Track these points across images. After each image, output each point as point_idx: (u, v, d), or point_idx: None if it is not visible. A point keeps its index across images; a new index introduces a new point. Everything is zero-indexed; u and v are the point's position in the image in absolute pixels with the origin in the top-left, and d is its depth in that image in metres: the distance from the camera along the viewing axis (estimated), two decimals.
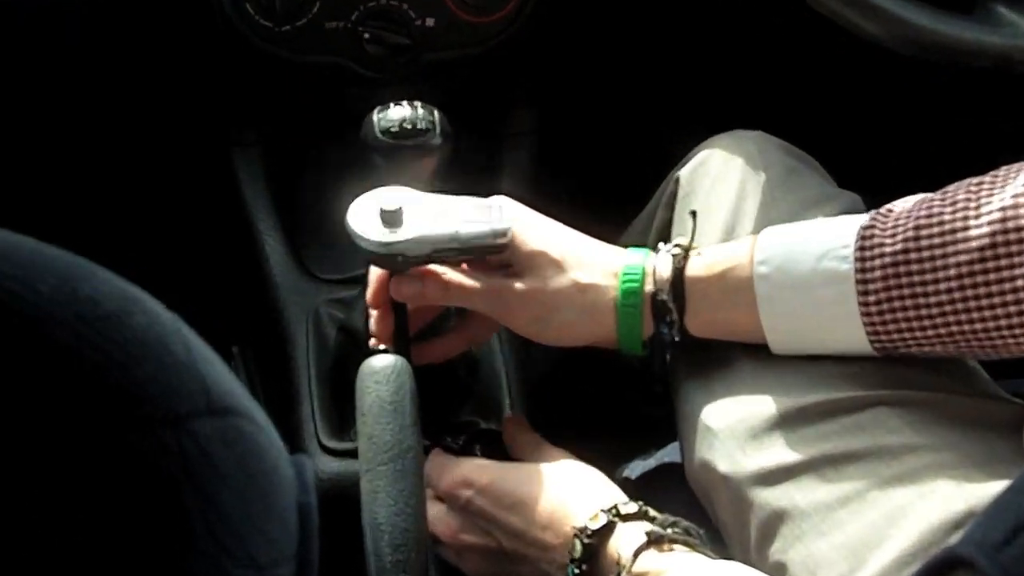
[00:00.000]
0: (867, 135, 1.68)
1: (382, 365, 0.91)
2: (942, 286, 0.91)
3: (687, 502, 1.06)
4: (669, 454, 1.15)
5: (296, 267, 1.38)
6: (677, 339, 1.00)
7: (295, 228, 1.43)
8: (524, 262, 1.01)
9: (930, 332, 0.93)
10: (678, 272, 0.99)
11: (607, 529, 0.90)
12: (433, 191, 1.03)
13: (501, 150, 1.49)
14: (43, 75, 1.49)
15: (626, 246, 1.04)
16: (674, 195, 1.14)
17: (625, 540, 0.89)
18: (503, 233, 0.99)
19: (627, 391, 1.44)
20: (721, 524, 1.00)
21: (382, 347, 0.94)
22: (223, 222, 1.47)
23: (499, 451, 1.04)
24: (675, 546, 0.89)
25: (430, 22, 1.36)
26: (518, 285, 1.00)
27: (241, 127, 1.48)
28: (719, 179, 1.10)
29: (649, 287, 1.00)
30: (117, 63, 1.50)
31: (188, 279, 1.39)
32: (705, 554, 0.89)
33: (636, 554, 0.88)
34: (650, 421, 1.33)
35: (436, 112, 1.07)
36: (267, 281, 1.37)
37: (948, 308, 0.91)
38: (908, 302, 0.92)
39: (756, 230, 1.02)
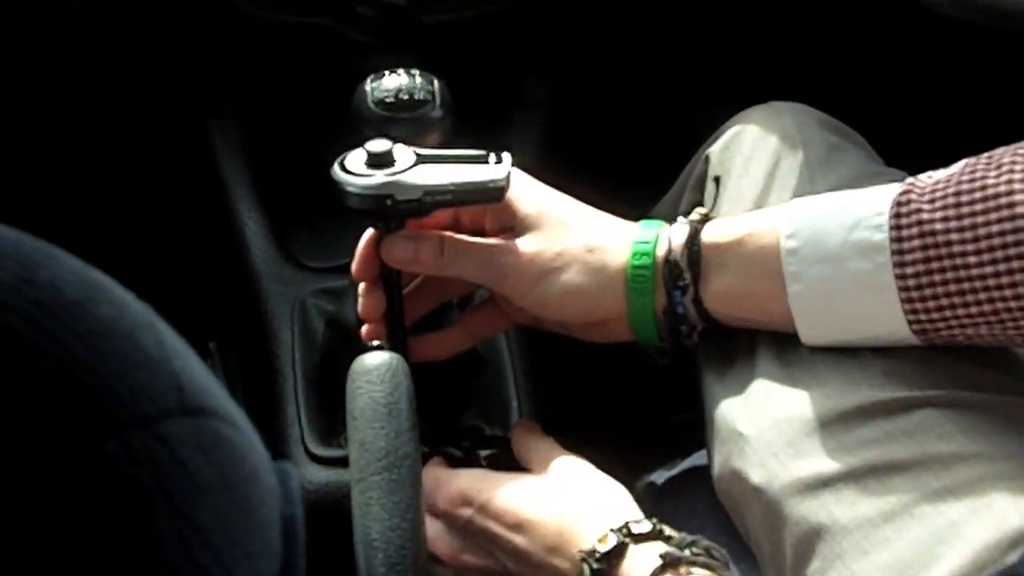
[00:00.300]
0: (918, 109, 1.68)
1: (376, 363, 0.91)
2: (985, 256, 0.90)
3: (716, 513, 1.06)
4: (695, 462, 1.15)
5: (280, 253, 1.38)
6: (693, 312, 1.00)
7: (278, 210, 1.42)
8: (525, 220, 1.01)
9: (973, 309, 0.92)
10: (694, 235, 0.99)
11: (618, 551, 0.90)
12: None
13: (508, 123, 1.49)
14: (9, 39, 1.49)
15: None
16: (703, 175, 1.14)
17: (638, 563, 0.89)
18: (502, 180, 0.98)
19: (649, 395, 1.44)
20: (752, 540, 1.00)
21: (375, 343, 0.94)
22: (199, 203, 1.47)
23: (506, 460, 1.04)
24: (694, 569, 0.88)
25: None
26: (519, 244, 1.00)
27: (219, 98, 1.48)
28: (752, 157, 1.10)
29: (662, 251, 1.00)
30: (81, 22, 1.50)
31: (160, 266, 1.39)
32: (724, 574, 0.89)
33: None
34: (675, 428, 1.33)
35: (436, 81, 1.07)
36: (248, 269, 1.37)
37: (992, 282, 0.90)
38: (949, 275, 0.91)
39: None
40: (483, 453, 1.05)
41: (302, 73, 1.46)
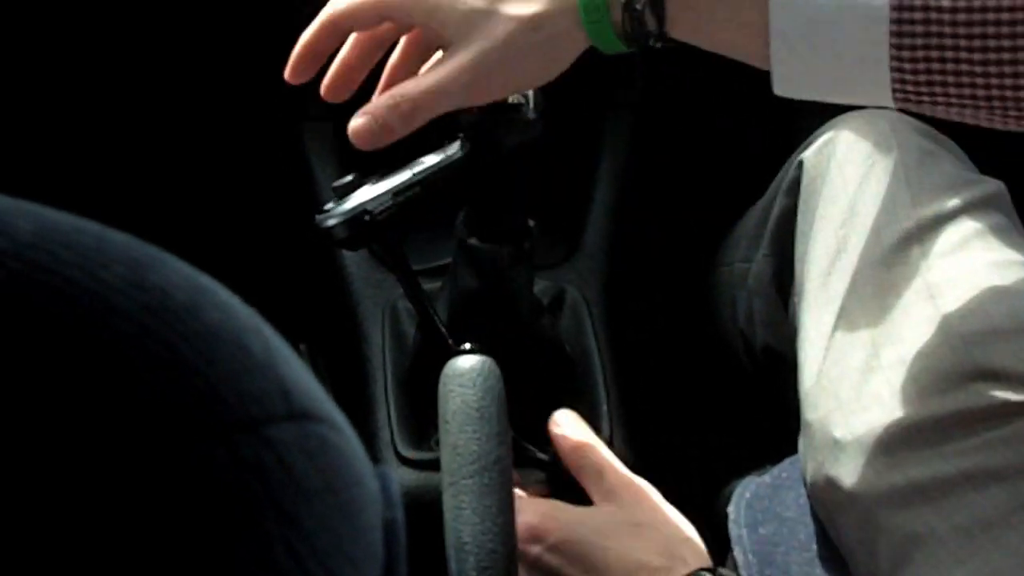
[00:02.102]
0: None
1: (468, 366, 0.91)
2: (991, 42, 0.83)
3: (807, 521, 1.05)
4: (787, 470, 1.14)
5: (371, 256, 1.38)
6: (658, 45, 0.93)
7: None
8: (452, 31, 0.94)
9: (967, 91, 0.85)
10: None
11: None
12: (524, 170, 1.03)
13: (600, 125, 1.48)
14: (106, 45, 1.51)
15: (739, 240, 1.03)
16: (797, 180, 1.13)
17: None
18: (458, 153, 1.01)
19: (739, 401, 1.43)
20: (846, 548, 0.99)
21: (468, 346, 0.94)
22: (292, 205, 1.48)
23: None
24: None
25: None
26: (458, 59, 0.93)
27: (313, 100, 1.49)
28: (847, 161, 1.09)
29: None
30: (179, 26, 1.52)
31: (251, 268, 1.40)
32: None
33: None
34: (765, 434, 1.32)
35: None
36: (339, 272, 1.38)
37: (993, 69, 0.84)
38: (948, 53, 0.84)
39: (879, 213, 1.01)
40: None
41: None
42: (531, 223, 1.09)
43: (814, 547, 1.04)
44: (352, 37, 1.02)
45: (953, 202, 1.04)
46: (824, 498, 1.00)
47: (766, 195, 1.20)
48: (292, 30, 1.42)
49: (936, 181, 1.06)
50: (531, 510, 0.98)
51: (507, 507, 0.86)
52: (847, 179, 1.09)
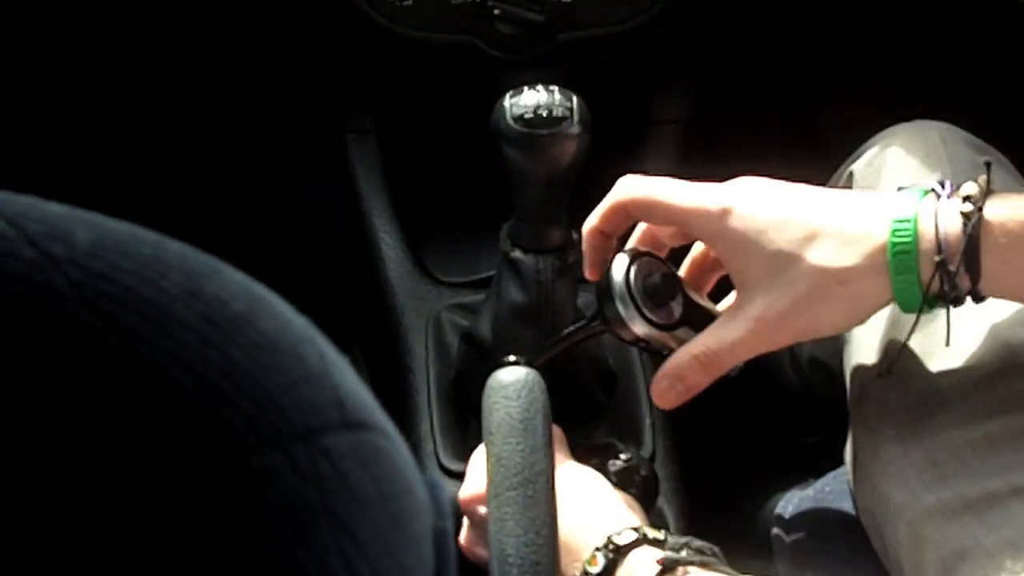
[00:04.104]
0: None
1: (512, 379, 0.91)
2: None
3: (851, 534, 1.05)
4: (831, 483, 1.13)
5: (415, 268, 1.39)
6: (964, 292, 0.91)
7: (415, 225, 1.43)
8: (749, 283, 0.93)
9: None
10: (974, 236, 0.87)
11: (609, 569, 0.89)
12: (568, 183, 1.03)
13: (644, 141, 1.49)
14: (153, 58, 1.52)
15: None
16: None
17: (636, 573, 0.88)
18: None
19: (782, 416, 1.43)
20: (892, 561, 0.99)
21: (511, 358, 0.94)
22: (336, 217, 1.49)
23: (634, 476, 1.04)
24: (691, 569, 0.87)
25: None
26: (760, 309, 0.92)
27: (357, 113, 1.49)
28: (897, 172, 1.09)
29: (928, 251, 0.88)
30: (224, 40, 1.53)
31: (295, 279, 1.41)
32: (724, 572, 0.88)
33: None
34: (808, 449, 1.32)
35: (574, 97, 1.06)
36: (383, 283, 1.38)
37: None
38: None
39: None
40: (612, 468, 1.05)
41: (441, 89, 1.47)
42: (575, 236, 1.09)
43: (858, 561, 1.04)
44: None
45: None
46: (872, 510, 1.00)
47: None
48: (336, 44, 1.43)
49: None
50: (482, 478, 0.98)
51: (551, 519, 0.86)
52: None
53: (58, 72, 1.58)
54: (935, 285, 0.88)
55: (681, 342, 0.96)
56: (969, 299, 0.90)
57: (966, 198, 0.88)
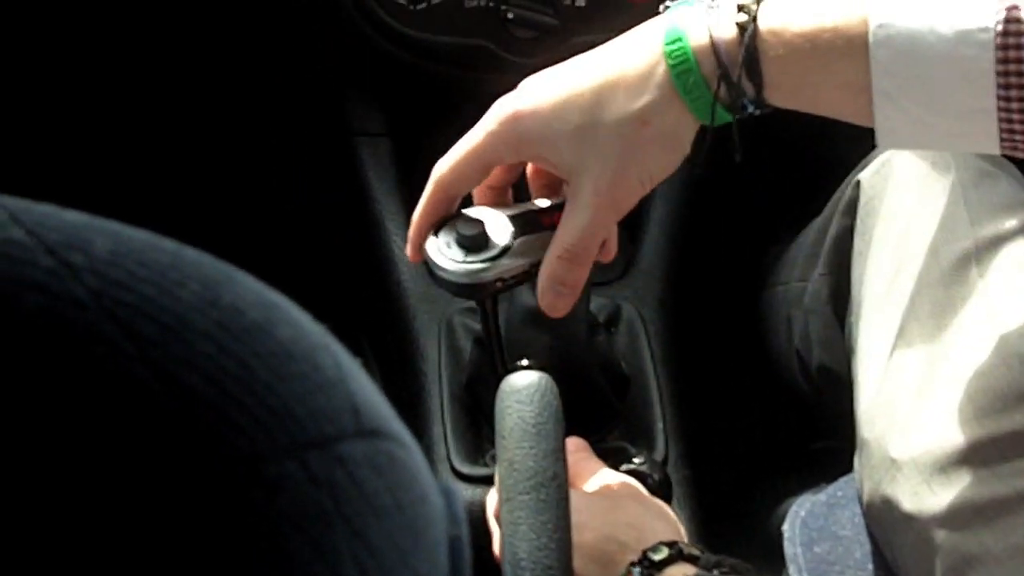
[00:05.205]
0: None
1: (525, 383, 0.91)
2: None
3: (861, 540, 1.05)
4: (842, 489, 1.13)
5: (427, 271, 1.39)
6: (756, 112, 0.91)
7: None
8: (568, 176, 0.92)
9: None
10: (751, 47, 0.86)
11: None
12: None
13: None
14: (164, 61, 1.52)
15: (795, 259, 1.02)
16: (855, 200, 1.13)
17: None
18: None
19: (791, 422, 1.43)
20: (902, 567, 0.99)
21: (524, 362, 0.94)
22: (348, 220, 1.49)
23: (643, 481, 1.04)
24: None
25: (580, 0, 1.36)
26: (587, 190, 0.91)
27: (370, 116, 1.49)
28: (903, 181, 1.09)
29: (708, 63, 0.87)
30: (237, 44, 1.53)
31: (307, 282, 1.41)
32: None
33: None
34: (817, 454, 1.32)
35: None
36: (395, 287, 1.38)
37: None
38: None
39: (937, 232, 1.00)
40: (624, 472, 1.05)
41: (453, 92, 1.47)
42: None
43: (869, 567, 1.04)
44: (477, 192, 1.00)
45: (1011, 222, 1.03)
46: (880, 517, 1.00)
47: (823, 215, 1.20)
48: (349, 47, 1.43)
49: (994, 201, 1.06)
50: None
51: (564, 524, 0.86)
52: (904, 199, 1.08)
53: (77, 76, 1.58)
54: (722, 96, 0.87)
55: (532, 251, 0.95)
56: (754, 108, 0.89)
57: (740, 7, 0.86)
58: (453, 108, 1.48)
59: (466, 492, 1.20)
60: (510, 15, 1.34)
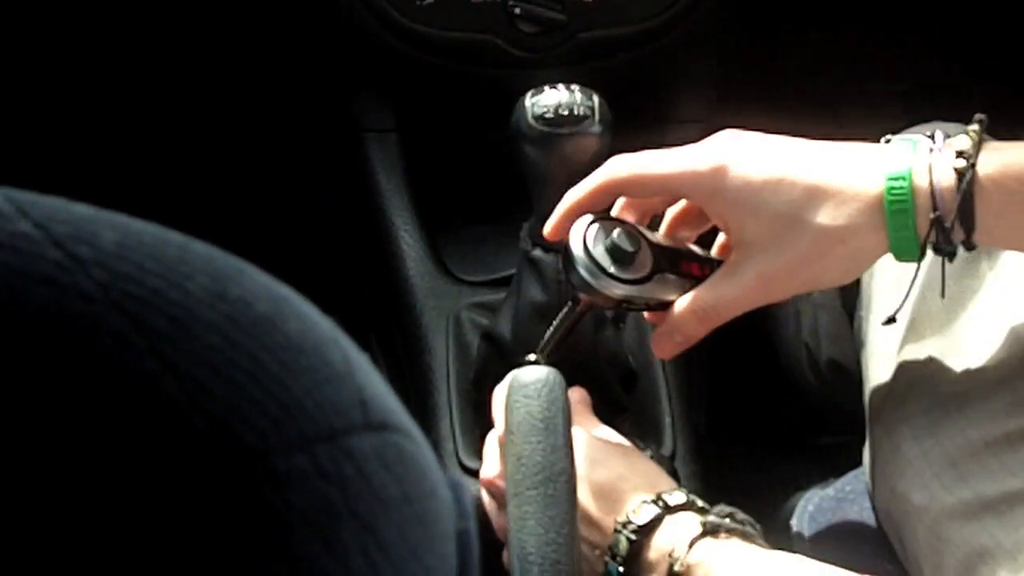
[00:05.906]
0: None
1: (533, 378, 0.91)
2: None
3: (870, 534, 1.05)
4: (851, 483, 1.13)
5: (435, 267, 1.39)
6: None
7: (435, 223, 1.43)
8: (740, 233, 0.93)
9: None
10: (968, 193, 0.87)
11: (654, 524, 0.90)
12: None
13: (665, 140, 1.48)
14: (170, 57, 1.52)
15: None
16: None
17: (676, 533, 0.89)
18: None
19: (799, 415, 1.42)
20: (911, 561, 0.99)
21: (531, 357, 0.94)
22: (356, 215, 1.49)
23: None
24: (732, 536, 0.88)
25: None
26: (758, 268, 0.92)
27: (377, 112, 1.49)
28: None
29: (924, 206, 0.88)
30: (244, 40, 1.53)
31: (315, 278, 1.41)
32: (762, 545, 0.88)
33: (691, 544, 0.87)
34: (826, 448, 1.31)
35: (595, 96, 1.06)
36: (403, 282, 1.38)
37: None
38: None
39: None
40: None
41: (461, 88, 1.47)
42: None
43: (878, 561, 1.04)
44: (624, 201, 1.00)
45: None
46: (890, 511, 1.00)
47: None
48: (356, 42, 1.43)
49: None
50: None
51: (571, 518, 0.86)
52: None
53: (86, 69, 1.58)
54: (931, 238, 0.88)
55: (661, 290, 0.95)
56: (962, 248, 0.90)
57: (959, 153, 0.87)
58: (460, 104, 1.48)
59: (474, 487, 1.20)
60: (517, 10, 1.34)
